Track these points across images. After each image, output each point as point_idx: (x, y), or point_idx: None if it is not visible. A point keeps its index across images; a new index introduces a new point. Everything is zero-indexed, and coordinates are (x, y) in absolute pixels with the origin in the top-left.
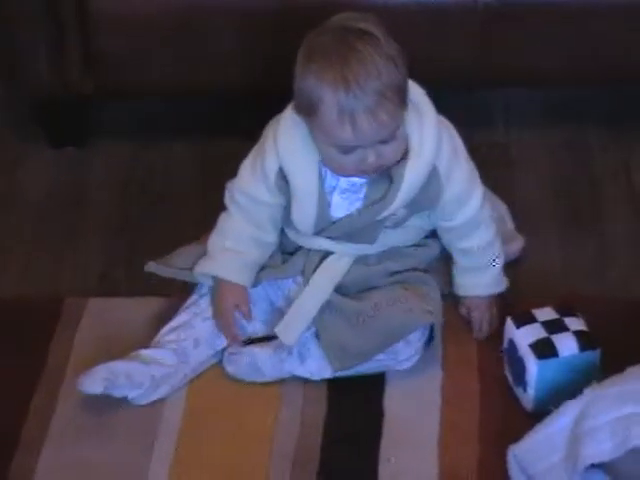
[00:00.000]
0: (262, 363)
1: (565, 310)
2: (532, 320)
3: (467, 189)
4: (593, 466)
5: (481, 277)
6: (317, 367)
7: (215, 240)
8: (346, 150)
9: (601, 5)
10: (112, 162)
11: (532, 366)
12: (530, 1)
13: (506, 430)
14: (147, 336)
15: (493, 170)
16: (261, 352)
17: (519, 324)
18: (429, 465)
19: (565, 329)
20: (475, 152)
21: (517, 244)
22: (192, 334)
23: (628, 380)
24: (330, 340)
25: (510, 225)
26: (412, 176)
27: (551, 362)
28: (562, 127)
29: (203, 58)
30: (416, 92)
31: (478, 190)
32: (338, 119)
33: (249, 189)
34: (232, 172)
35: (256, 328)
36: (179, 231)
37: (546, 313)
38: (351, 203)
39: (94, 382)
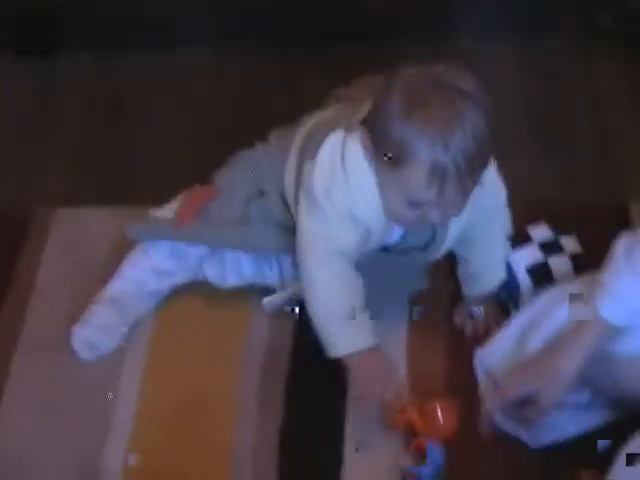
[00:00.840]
0: (245, 263)
1: (560, 228)
2: (529, 241)
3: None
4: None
5: (500, 268)
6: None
7: (330, 315)
8: (416, 206)
9: None
10: (82, 76)
11: (525, 287)
12: None
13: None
14: (116, 245)
15: None
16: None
17: (515, 244)
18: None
19: (561, 250)
20: None
21: None
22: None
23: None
24: None
25: None
26: (455, 226)
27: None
28: (529, 40)
29: None
30: None
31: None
32: (427, 179)
33: (341, 238)
34: (202, 88)
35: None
36: (147, 149)
37: (541, 232)
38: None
39: (83, 352)
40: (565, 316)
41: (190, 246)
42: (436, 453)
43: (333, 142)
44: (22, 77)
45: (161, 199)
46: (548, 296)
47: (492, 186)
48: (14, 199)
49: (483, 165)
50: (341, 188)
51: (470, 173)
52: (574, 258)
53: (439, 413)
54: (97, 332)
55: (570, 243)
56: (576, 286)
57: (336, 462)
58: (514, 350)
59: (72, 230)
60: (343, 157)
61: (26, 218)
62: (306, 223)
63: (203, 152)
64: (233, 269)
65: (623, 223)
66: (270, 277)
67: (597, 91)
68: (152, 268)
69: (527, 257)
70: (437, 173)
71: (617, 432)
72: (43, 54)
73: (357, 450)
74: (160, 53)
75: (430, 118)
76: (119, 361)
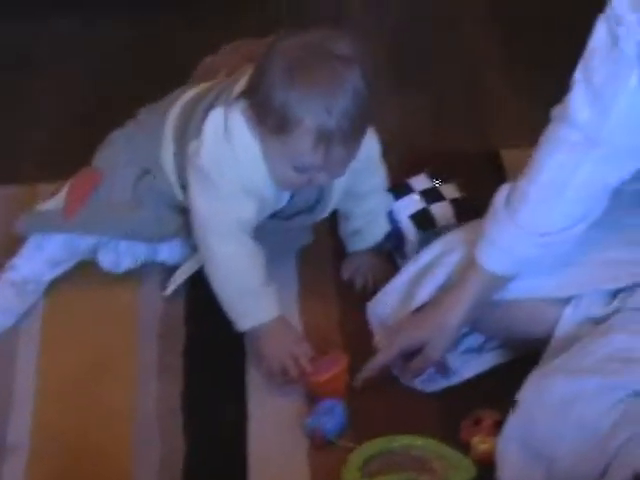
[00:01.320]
0: (138, 246)
1: (439, 176)
2: (409, 191)
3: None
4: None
5: (382, 221)
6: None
7: (238, 290)
8: (302, 170)
9: None
10: None
11: (412, 237)
12: None
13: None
14: (7, 224)
15: None
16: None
17: (397, 196)
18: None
19: (441, 197)
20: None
21: None
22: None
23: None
24: None
25: None
26: (339, 184)
27: (428, 233)
28: None
29: None
30: None
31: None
32: (313, 145)
33: (239, 212)
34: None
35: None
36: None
37: (422, 181)
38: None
39: None
40: (455, 264)
41: (82, 237)
42: (337, 409)
43: (215, 118)
44: None
45: (45, 177)
46: (437, 246)
47: (366, 139)
48: None
49: (365, 125)
50: (230, 162)
51: (354, 134)
52: (454, 203)
53: (327, 367)
54: None
55: (449, 190)
56: (464, 235)
57: (241, 418)
58: (405, 299)
59: None
60: (226, 131)
61: None
62: (201, 202)
63: (88, 119)
64: (127, 253)
65: (495, 168)
66: (162, 255)
67: (462, 32)
68: (47, 261)
69: (409, 206)
70: (322, 138)
71: (511, 372)
72: None
73: None
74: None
75: (312, 84)
76: (14, 339)
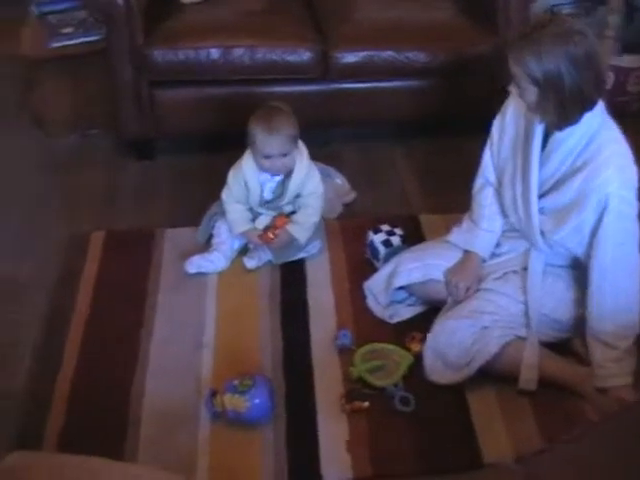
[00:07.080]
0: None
1: (394, 224)
2: (380, 230)
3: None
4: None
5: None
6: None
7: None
8: (266, 157)
9: None
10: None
11: (382, 252)
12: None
13: (366, 277)
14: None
15: None
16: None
17: (374, 232)
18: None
19: (395, 234)
20: None
21: (352, 195)
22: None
23: (426, 244)
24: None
25: (347, 184)
26: (295, 180)
27: (389, 249)
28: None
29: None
30: (301, 146)
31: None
32: (261, 148)
33: (234, 186)
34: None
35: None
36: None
37: (386, 226)
38: (269, 193)
39: (192, 266)
40: (406, 266)
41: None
42: (348, 333)
43: (246, 158)
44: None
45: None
46: (397, 257)
47: (311, 181)
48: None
49: (292, 144)
50: (236, 174)
51: (286, 143)
52: (400, 237)
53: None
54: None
55: (398, 230)
56: (407, 253)
57: (307, 338)
58: (386, 282)
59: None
60: (241, 162)
61: (151, 234)
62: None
63: None
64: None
65: (417, 226)
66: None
67: None
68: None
69: (380, 238)
70: (265, 144)
71: (427, 315)
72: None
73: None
74: None
75: (260, 126)
76: (209, 282)
